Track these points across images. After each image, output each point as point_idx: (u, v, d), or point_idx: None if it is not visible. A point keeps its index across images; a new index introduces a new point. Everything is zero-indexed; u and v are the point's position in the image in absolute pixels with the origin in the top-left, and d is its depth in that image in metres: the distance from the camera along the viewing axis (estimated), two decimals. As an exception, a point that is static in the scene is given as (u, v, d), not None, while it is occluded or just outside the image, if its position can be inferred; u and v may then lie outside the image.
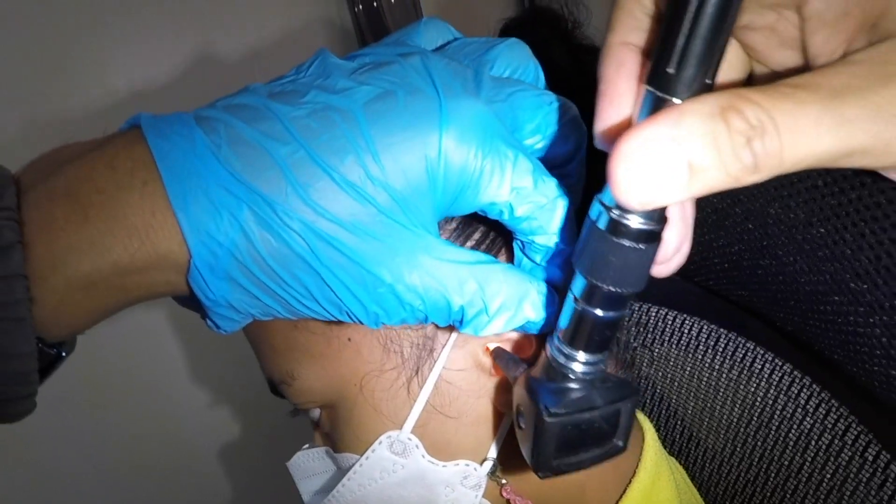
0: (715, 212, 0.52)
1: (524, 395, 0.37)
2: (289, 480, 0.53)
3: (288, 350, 0.44)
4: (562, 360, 0.36)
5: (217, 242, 0.33)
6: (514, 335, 0.43)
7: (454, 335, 0.43)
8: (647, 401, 0.68)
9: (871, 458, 0.49)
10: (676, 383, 0.64)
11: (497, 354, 0.42)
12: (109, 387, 1.12)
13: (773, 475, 0.56)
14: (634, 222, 0.29)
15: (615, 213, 0.30)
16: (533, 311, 0.38)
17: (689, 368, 0.63)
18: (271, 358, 0.45)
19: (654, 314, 0.65)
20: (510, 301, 0.38)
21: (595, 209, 0.31)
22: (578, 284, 0.33)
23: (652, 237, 0.30)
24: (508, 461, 0.44)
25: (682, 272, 0.59)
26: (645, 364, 0.66)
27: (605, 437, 0.37)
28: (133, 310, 0.40)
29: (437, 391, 0.43)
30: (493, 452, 0.44)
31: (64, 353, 0.39)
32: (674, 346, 0.63)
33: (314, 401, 0.45)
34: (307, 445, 0.52)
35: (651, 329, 0.65)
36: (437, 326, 0.42)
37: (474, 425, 0.44)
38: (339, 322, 0.41)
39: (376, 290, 0.35)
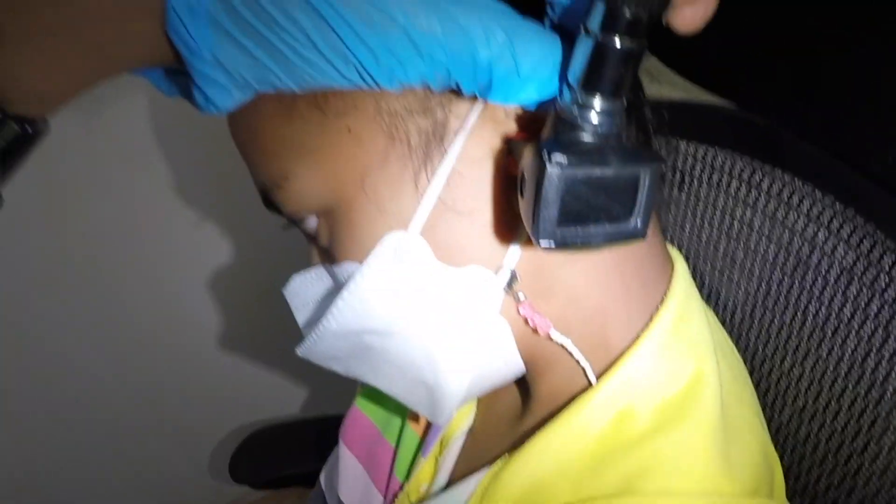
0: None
1: (528, 155, 0.31)
2: (287, 313, 0.46)
3: (281, 147, 0.38)
4: (573, 109, 0.31)
5: None
6: (529, 115, 0.37)
7: (473, 111, 0.36)
8: (674, 242, 0.62)
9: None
10: (707, 222, 0.59)
11: (514, 147, 0.36)
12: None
13: (811, 316, 0.51)
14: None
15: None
16: None
17: (720, 205, 0.57)
18: (262, 159, 0.40)
19: (683, 149, 0.60)
20: (544, 60, 0.33)
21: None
22: (596, 13, 0.29)
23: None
24: (527, 275, 0.39)
25: (716, 85, 0.54)
26: (673, 205, 0.61)
27: (619, 212, 0.32)
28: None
29: (448, 185, 0.37)
30: (510, 261, 0.38)
31: (29, 131, 0.35)
32: (704, 184, 0.58)
33: (310, 206, 0.39)
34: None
35: (680, 167, 0.60)
36: (447, 106, 0.36)
37: (489, 227, 0.38)
38: (337, 106, 0.36)
39: (387, 32, 0.31)
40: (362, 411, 0.61)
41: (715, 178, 0.57)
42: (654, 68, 0.55)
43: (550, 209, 0.30)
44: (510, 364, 0.42)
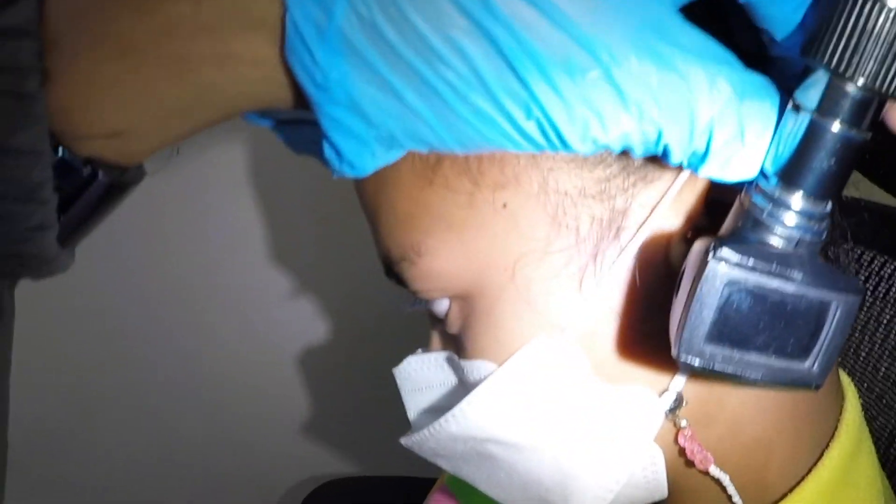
0: None
1: (695, 247, 0.25)
2: (394, 392, 0.41)
3: (417, 215, 0.32)
4: (766, 205, 0.24)
5: None
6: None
7: (670, 192, 0.29)
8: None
9: None
10: (868, 338, 0.54)
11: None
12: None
13: None
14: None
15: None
16: None
17: (885, 320, 0.53)
18: (393, 227, 0.33)
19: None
20: (769, 125, 0.25)
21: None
22: (814, 84, 0.23)
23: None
24: (694, 402, 0.33)
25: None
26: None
27: (792, 346, 0.24)
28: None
29: (618, 288, 0.31)
30: (676, 384, 0.32)
31: (101, 176, 0.29)
32: (868, 294, 0.54)
33: (443, 287, 0.33)
34: (421, 350, 0.41)
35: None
36: (631, 191, 0.30)
37: (660, 343, 0.30)
38: (493, 176, 0.30)
39: (585, 74, 0.24)
40: (452, 492, 0.56)
41: (882, 288, 0.53)
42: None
43: (702, 317, 0.23)
44: (654, 494, 0.36)
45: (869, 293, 0.54)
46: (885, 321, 0.53)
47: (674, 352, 0.24)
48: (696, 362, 0.24)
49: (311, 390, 1.23)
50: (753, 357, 0.24)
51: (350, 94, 0.25)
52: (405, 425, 0.40)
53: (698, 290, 0.23)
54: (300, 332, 1.17)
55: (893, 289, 0.53)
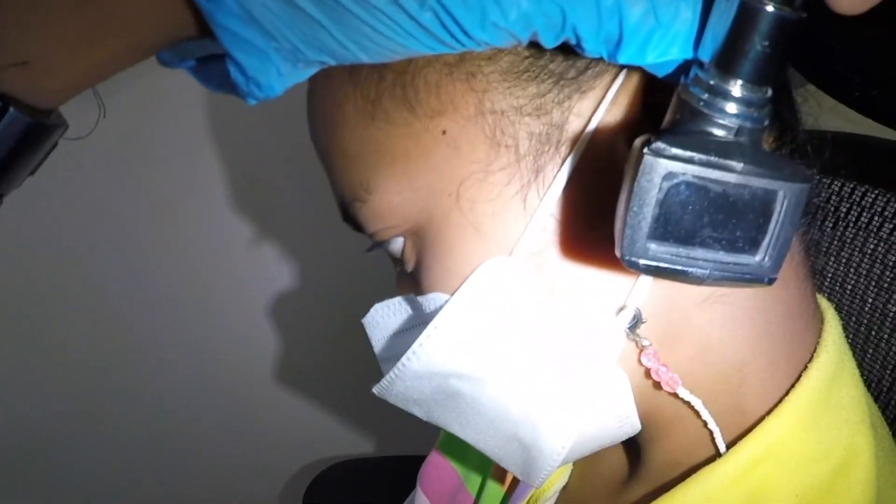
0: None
1: (634, 146, 0.24)
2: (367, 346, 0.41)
3: (364, 153, 0.32)
4: (703, 94, 0.23)
5: None
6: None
7: (604, 101, 0.29)
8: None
9: None
10: (853, 270, 0.54)
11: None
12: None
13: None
14: None
15: None
16: None
17: (870, 250, 0.52)
18: (343, 169, 0.34)
19: (828, 188, 0.55)
20: (686, 6, 0.24)
21: None
22: None
23: None
24: (654, 317, 0.32)
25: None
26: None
27: (741, 239, 0.24)
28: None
29: (564, 202, 0.31)
30: (634, 299, 0.31)
31: (13, 112, 0.28)
32: (851, 225, 0.53)
33: (395, 224, 0.33)
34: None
35: (822, 204, 0.55)
36: (566, 104, 0.29)
37: (610, 253, 0.30)
38: (430, 104, 0.30)
39: None
40: (444, 457, 0.56)
41: (864, 218, 0.52)
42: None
43: (643, 214, 0.22)
44: (624, 423, 0.35)
45: (852, 224, 0.53)
46: (868, 251, 0.53)
47: (617, 252, 0.24)
48: (641, 262, 0.23)
49: (316, 374, 1.23)
50: (700, 253, 0.24)
51: (242, 2, 0.24)
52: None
53: (636, 185, 0.22)
54: (306, 318, 1.18)
55: (876, 217, 0.52)
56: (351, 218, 0.35)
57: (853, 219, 0.53)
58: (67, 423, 1.15)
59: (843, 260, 0.54)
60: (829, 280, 0.55)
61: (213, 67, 0.32)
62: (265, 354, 1.20)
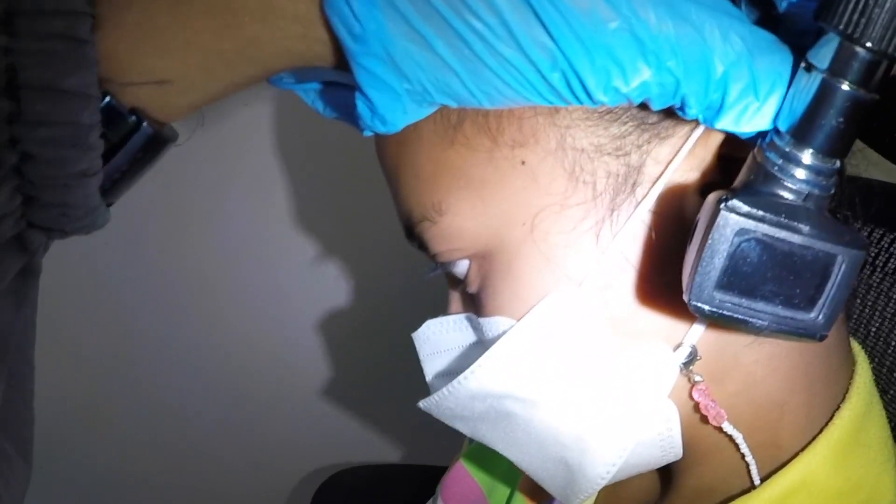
0: None
1: (708, 199, 0.26)
2: (410, 380, 0.42)
3: (438, 175, 0.33)
4: (777, 160, 0.25)
5: None
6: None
7: (687, 145, 0.30)
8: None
9: None
10: (878, 313, 0.54)
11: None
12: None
13: None
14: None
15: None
16: None
17: (895, 295, 0.53)
18: (414, 188, 0.34)
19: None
20: (781, 81, 0.26)
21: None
22: (826, 45, 0.24)
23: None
24: (707, 354, 0.33)
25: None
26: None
27: (799, 296, 0.26)
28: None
29: (634, 241, 0.32)
30: (691, 338, 0.33)
31: (145, 126, 0.29)
32: (878, 270, 0.54)
33: (463, 247, 0.34)
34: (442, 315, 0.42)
35: None
36: (645, 148, 0.31)
37: (675, 296, 0.30)
38: (512, 134, 0.31)
39: (607, 24, 0.25)
40: (467, 470, 0.56)
41: (892, 264, 0.53)
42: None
43: (713, 264, 0.25)
44: (668, 453, 0.36)
45: (879, 269, 0.54)
46: (894, 296, 0.54)
47: (685, 297, 0.25)
48: (706, 308, 0.25)
49: (326, 378, 1.22)
50: (761, 305, 0.25)
51: (385, 46, 0.26)
52: (420, 412, 0.40)
53: (710, 238, 0.24)
54: (316, 322, 1.17)
55: (881, 258, 0.53)
56: (416, 237, 0.35)
57: (881, 264, 0.54)
58: (72, 425, 1.15)
59: (869, 303, 0.55)
60: (853, 322, 0.56)
61: (330, 93, 0.34)
62: (273, 358, 1.19)
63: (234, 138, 0.99)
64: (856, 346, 0.40)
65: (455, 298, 0.40)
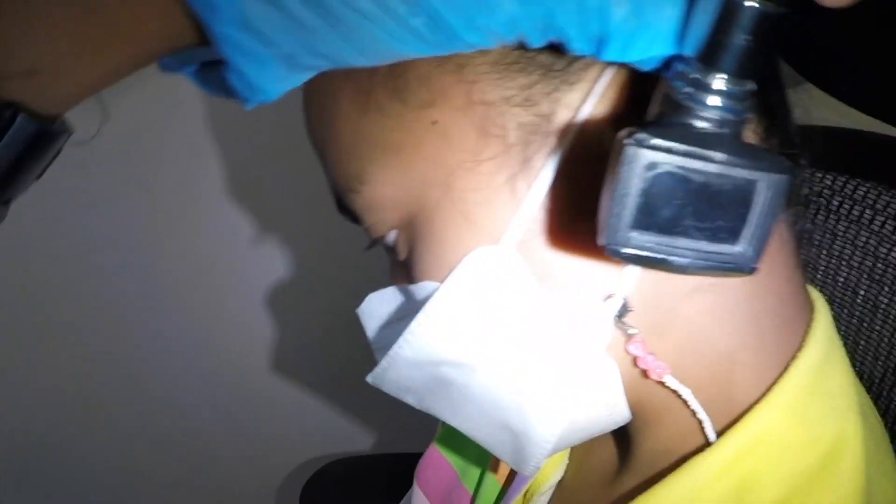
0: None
1: (617, 137, 0.25)
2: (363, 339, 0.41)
3: (357, 144, 0.33)
4: (685, 88, 0.24)
5: None
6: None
7: (592, 93, 0.29)
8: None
9: None
10: (845, 263, 0.54)
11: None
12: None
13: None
14: None
15: None
16: None
17: (861, 243, 0.52)
18: (337, 160, 0.34)
19: (820, 181, 0.55)
20: (668, 5, 0.25)
21: None
22: None
23: None
24: (642, 305, 0.32)
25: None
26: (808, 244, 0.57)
27: (722, 229, 0.24)
28: None
29: (553, 192, 0.31)
30: (622, 288, 0.31)
31: (20, 120, 0.27)
32: (843, 218, 0.53)
33: (388, 218, 0.34)
34: None
35: (814, 198, 0.55)
36: (554, 95, 0.30)
37: (598, 246, 0.29)
38: (420, 95, 0.30)
39: None
40: (441, 453, 0.56)
41: (856, 211, 0.52)
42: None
43: (625, 203, 0.23)
44: (614, 412, 0.35)
45: (843, 216, 0.54)
46: (860, 244, 0.53)
47: (599, 241, 0.24)
48: (622, 250, 0.24)
49: (314, 370, 1.23)
50: (682, 242, 0.24)
51: (240, 10, 0.25)
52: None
53: (618, 175, 0.23)
54: (303, 314, 1.18)
55: (867, 210, 0.52)
56: (346, 209, 0.35)
57: (845, 212, 0.53)
58: (64, 419, 1.16)
59: (836, 253, 0.54)
60: (821, 273, 0.55)
61: (213, 72, 0.32)
62: (262, 351, 1.20)
63: (177, 132, 1.00)
64: (814, 294, 0.39)
65: (393, 270, 0.39)
